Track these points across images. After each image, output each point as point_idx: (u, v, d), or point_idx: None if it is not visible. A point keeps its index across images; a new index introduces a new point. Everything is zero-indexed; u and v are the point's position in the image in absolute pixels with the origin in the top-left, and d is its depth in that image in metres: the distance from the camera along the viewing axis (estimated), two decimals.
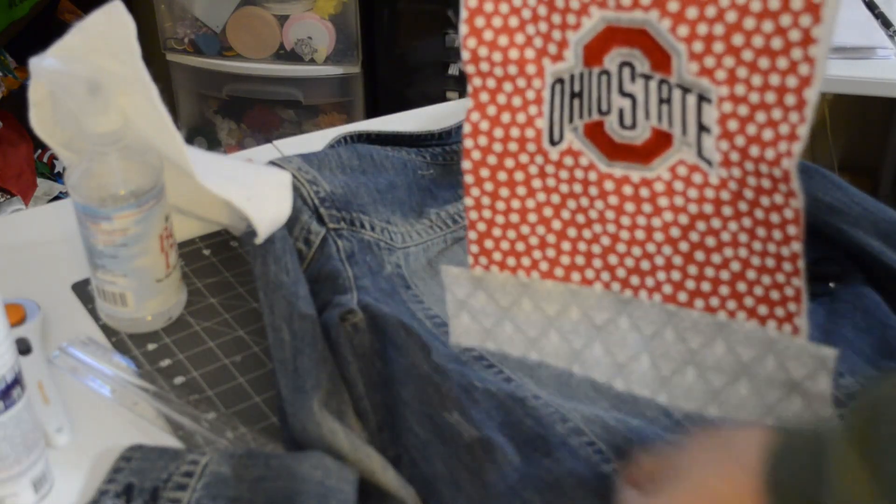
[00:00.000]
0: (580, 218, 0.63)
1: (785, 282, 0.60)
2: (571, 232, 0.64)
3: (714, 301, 0.63)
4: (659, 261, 0.63)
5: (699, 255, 0.62)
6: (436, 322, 0.75)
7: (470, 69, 0.61)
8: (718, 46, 0.55)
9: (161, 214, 0.74)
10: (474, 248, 0.66)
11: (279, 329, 0.69)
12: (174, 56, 2.04)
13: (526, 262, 0.65)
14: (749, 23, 0.53)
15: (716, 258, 0.61)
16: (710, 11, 0.54)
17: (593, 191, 0.62)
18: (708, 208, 0.60)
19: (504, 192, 0.63)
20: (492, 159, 0.62)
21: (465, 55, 0.60)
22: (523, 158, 0.62)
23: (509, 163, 0.62)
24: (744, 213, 0.59)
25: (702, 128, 0.58)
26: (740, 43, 0.54)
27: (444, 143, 0.94)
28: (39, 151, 1.97)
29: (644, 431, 0.66)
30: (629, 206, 0.62)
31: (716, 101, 0.56)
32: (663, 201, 0.61)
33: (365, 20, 1.94)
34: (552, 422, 0.67)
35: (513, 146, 0.62)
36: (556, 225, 0.64)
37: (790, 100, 0.54)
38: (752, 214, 0.59)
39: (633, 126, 0.60)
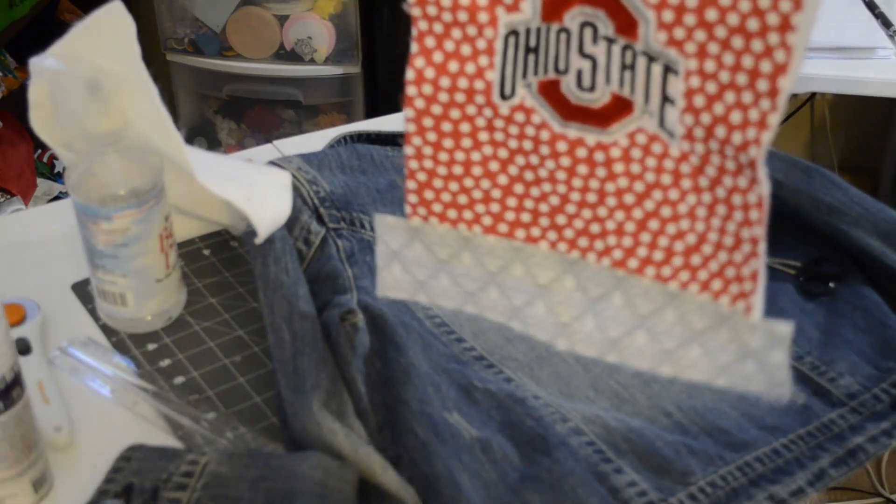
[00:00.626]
0: (529, 175, 0.60)
1: (742, 261, 0.56)
2: (518, 188, 0.60)
3: (666, 271, 0.59)
4: (610, 225, 0.60)
5: (653, 224, 0.59)
6: (436, 322, 0.75)
7: (416, 12, 0.56)
8: (690, 19, 0.51)
9: (161, 214, 0.74)
10: (413, 198, 0.62)
11: (279, 329, 0.69)
12: (174, 56, 2.04)
13: (468, 215, 0.62)
14: None
15: (671, 228, 0.58)
16: None
17: (544, 150, 0.59)
18: (666, 179, 0.57)
19: (448, 142, 0.60)
20: (436, 109, 0.59)
21: None
22: (470, 110, 0.58)
23: (455, 113, 0.59)
24: (704, 189, 0.56)
25: (666, 99, 0.54)
26: (714, 18, 0.51)
27: None
28: (39, 151, 1.97)
29: (644, 431, 0.66)
30: (582, 169, 0.59)
31: (683, 73, 0.53)
32: (619, 167, 0.58)
33: (365, 20, 1.94)
34: (552, 422, 0.67)
35: (460, 97, 0.58)
36: (503, 180, 0.60)
37: (763, 85, 0.51)
38: (713, 191, 0.56)
39: (592, 88, 0.56)
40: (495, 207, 0.61)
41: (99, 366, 0.74)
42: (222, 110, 2.12)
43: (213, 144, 2.15)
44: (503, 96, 0.58)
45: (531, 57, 0.57)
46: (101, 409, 0.71)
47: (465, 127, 0.59)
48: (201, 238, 0.89)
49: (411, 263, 0.63)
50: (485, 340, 0.74)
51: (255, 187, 0.78)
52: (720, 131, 0.53)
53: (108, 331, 0.78)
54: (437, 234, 0.62)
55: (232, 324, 0.79)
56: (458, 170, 0.61)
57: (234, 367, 0.75)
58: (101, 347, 0.76)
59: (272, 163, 0.86)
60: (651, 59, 0.53)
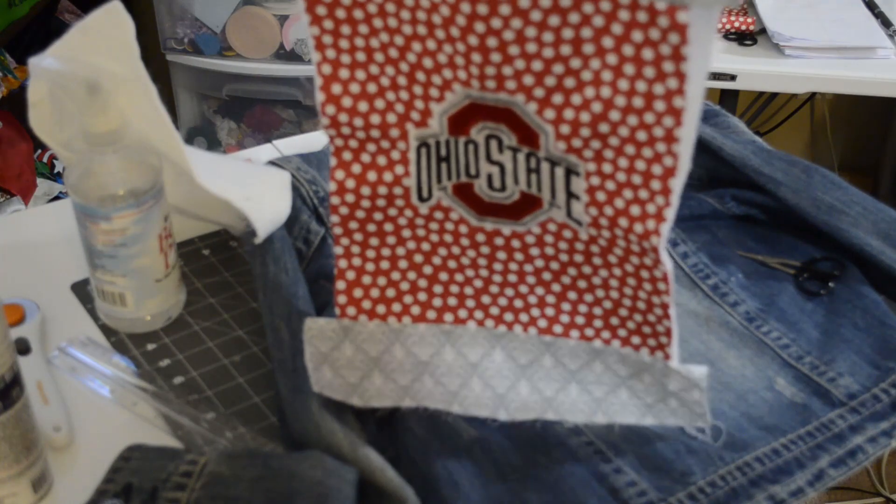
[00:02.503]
0: (452, 263, 0.63)
1: (656, 321, 0.61)
2: (443, 276, 0.64)
3: (589, 331, 0.64)
4: (532, 299, 0.64)
5: (572, 295, 0.63)
6: None
7: (331, 133, 0.59)
8: (585, 131, 0.55)
9: (160, 214, 0.74)
10: (342, 299, 0.64)
11: (278, 329, 0.69)
12: (174, 56, 2.04)
13: (397, 307, 0.65)
14: (614, 115, 0.53)
15: (588, 297, 0.63)
16: (576, 100, 0.54)
17: (464, 241, 0.62)
18: (578, 258, 0.61)
19: (374, 241, 0.63)
20: (360, 213, 0.62)
21: (325, 121, 0.59)
22: (392, 212, 0.62)
23: (378, 216, 0.62)
24: (614, 265, 0.60)
25: (570, 195, 0.58)
26: (606, 131, 0.54)
27: None
28: (39, 151, 1.97)
29: (643, 431, 0.66)
30: (501, 255, 0.62)
31: (583, 174, 0.57)
32: (534, 251, 0.62)
33: None
34: (552, 422, 0.67)
35: (381, 202, 0.61)
36: (427, 270, 0.64)
37: (656, 185, 0.55)
38: (623, 267, 0.60)
39: (503, 189, 0.60)
40: (422, 296, 0.65)
41: (98, 366, 0.74)
42: (222, 110, 2.12)
43: (213, 144, 2.15)
44: (421, 199, 0.61)
45: (443, 165, 0.60)
46: (100, 409, 0.71)
47: (388, 226, 0.62)
48: (201, 238, 0.89)
49: (341, 367, 0.65)
50: None
51: (254, 187, 0.78)
52: (623, 222, 0.57)
53: (107, 331, 0.78)
54: (367, 332, 0.65)
55: (231, 324, 0.79)
56: (384, 265, 0.64)
57: (234, 367, 0.75)
58: (101, 347, 0.76)
59: (272, 163, 0.86)
60: (553, 163, 0.57)
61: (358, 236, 0.63)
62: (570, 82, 0.54)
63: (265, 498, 0.58)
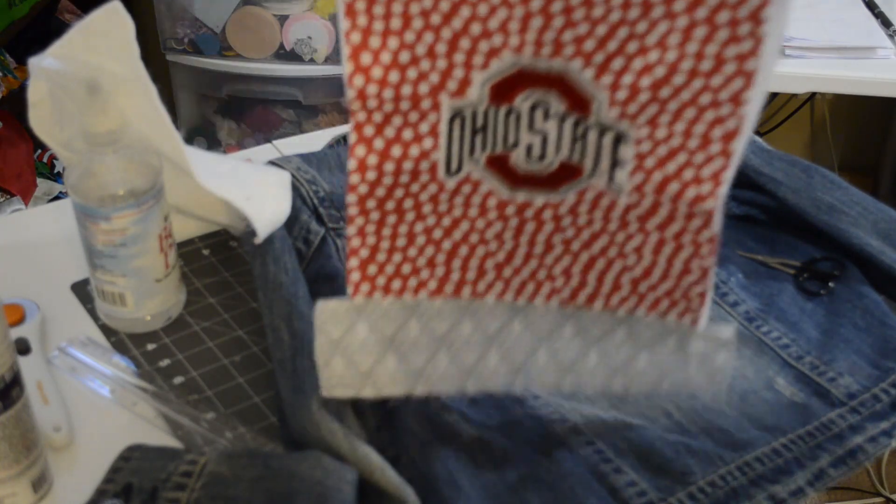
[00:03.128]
0: (474, 237, 0.61)
1: (690, 285, 0.59)
2: (463, 250, 0.61)
3: (614, 300, 0.62)
4: (556, 270, 0.62)
5: (600, 264, 0.61)
6: None
7: (355, 106, 0.56)
8: (644, 96, 0.53)
9: (160, 214, 0.74)
10: (355, 276, 0.62)
11: (278, 329, 0.69)
12: (174, 56, 2.04)
13: (413, 282, 0.62)
14: (678, 79, 0.52)
15: (617, 265, 0.61)
16: (638, 64, 0.52)
17: (492, 214, 0.60)
18: (612, 226, 0.59)
19: (391, 218, 0.60)
20: (380, 191, 0.59)
21: (351, 93, 0.55)
22: (414, 188, 0.59)
23: (399, 193, 0.59)
24: (651, 231, 0.58)
25: (615, 162, 0.56)
26: (667, 95, 0.53)
27: None
28: (39, 151, 1.97)
29: (643, 431, 0.66)
30: (529, 226, 0.60)
31: (633, 140, 0.55)
32: (566, 221, 0.60)
33: None
34: (551, 422, 0.67)
35: (404, 178, 0.58)
36: (447, 245, 0.61)
37: (715, 148, 0.53)
38: (662, 232, 0.58)
39: (542, 159, 0.58)
40: (440, 271, 0.62)
41: (98, 366, 0.74)
42: (222, 110, 2.12)
43: (212, 144, 2.15)
44: (449, 173, 0.58)
45: (478, 136, 0.57)
46: (100, 409, 0.71)
47: (408, 203, 0.60)
48: (201, 238, 0.89)
49: (354, 352, 0.63)
50: None
51: (254, 187, 0.78)
52: (673, 187, 0.55)
53: (107, 331, 0.78)
54: (381, 310, 0.62)
55: (231, 324, 0.79)
56: (401, 242, 0.61)
57: (234, 367, 0.75)
58: (101, 347, 0.76)
59: (272, 163, 0.86)
60: (603, 130, 0.55)
61: (374, 215, 0.60)
62: (633, 46, 0.52)
63: (265, 498, 0.58)
